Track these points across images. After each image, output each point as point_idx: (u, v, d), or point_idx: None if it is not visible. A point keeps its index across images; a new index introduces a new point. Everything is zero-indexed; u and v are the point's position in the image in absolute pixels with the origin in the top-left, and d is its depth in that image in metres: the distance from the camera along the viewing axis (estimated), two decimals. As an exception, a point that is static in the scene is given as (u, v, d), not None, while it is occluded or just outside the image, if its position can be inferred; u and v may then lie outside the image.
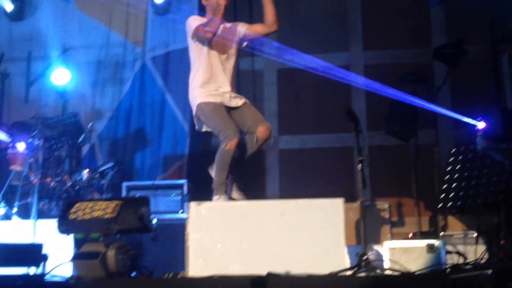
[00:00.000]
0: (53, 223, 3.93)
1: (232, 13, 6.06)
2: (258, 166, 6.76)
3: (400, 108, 5.73)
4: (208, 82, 4.05)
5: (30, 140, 5.40)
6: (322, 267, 3.40)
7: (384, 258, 4.14)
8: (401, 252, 4.06)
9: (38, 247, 3.91)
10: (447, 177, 4.68)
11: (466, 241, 4.81)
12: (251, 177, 6.72)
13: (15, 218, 5.20)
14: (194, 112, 4.14)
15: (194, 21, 4.08)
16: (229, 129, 3.91)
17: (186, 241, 3.62)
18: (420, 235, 5.45)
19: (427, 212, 6.10)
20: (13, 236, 4.64)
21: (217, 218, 3.65)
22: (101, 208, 3.56)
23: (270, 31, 4.09)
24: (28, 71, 7.17)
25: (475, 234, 4.77)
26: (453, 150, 4.80)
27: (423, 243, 4.16)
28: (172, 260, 4.81)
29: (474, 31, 6.36)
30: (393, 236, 5.62)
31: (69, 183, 5.67)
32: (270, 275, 3.22)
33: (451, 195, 4.55)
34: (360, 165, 3.99)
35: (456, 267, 3.64)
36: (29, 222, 4.79)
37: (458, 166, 4.63)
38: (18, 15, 7.33)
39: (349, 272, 3.47)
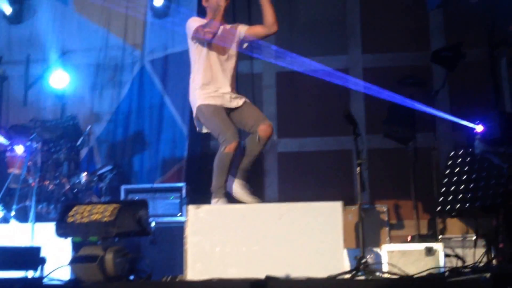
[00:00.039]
0: (51, 226, 3.93)
1: (231, 15, 6.06)
2: (257, 169, 6.75)
3: (398, 111, 5.74)
4: (208, 83, 4.04)
5: (29, 143, 5.39)
6: (320, 271, 3.40)
7: (382, 261, 4.14)
8: (400, 255, 4.06)
9: (36, 250, 3.90)
10: (445, 180, 4.68)
11: (465, 244, 4.81)
12: (249, 180, 6.73)
13: (13, 221, 5.19)
14: (194, 114, 4.13)
15: (194, 23, 4.09)
16: (228, 132, 3.91)
17: (184, 244, 3.62)
18: (419, 238, 5.45)
19: (426, 215, 6.11)
20: (11, 240, 4.63)
21: (215, 221, 3.65)
22: (99, 211, 3.56)
23: (270, 32, 4.09)
24: (27, 74, 7.16)
25: (474, 237, 4.77)
26: (452, 153, 4.80)
27: (421, 246, 4.16)
28: (170, 263, 4.80)
29: (472, 35, 6.38)
30: (392, 239, 5.62)
31: (67, 186, 5.66)
32: (268, 279, 3.22)
33: (450, 198, 4.54)
34: (358, 168, 3.99)
35: (454, 271, 3.64)
36: (27, 226, 4.78)
37: (457, 169, 4.62)
38: (16, 18, 7.32)
39: (347, 276, 3.47)
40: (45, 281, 3.61)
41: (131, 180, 6.74)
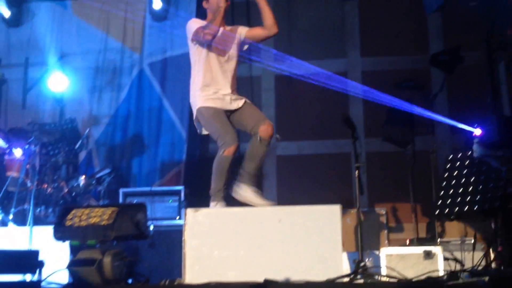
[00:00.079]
0: (49, 229, 3.92)
1: (230, 19, 6.06)
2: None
3: (397, 115, 5.75)
4: (208, 84, 4.03)
5: (27, 146, 5.39)
6: (319, 274, 3.39)
7: (381, 265, 4.14)
8: (398, 259, 4.05)
9: (34, 253, 3.90)
10: (444, 183, 4.67)
11: (464, 248, 4.80)
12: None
13: (11, 225, 5.18)
14: (194, 116, 4.12)
15: (194, 24, 4.09)
16: (228, 136, 3.90)
17: (183, 248, 3.61)
18: (417, 241, 5.45)
19: (425, 218, 6.11)
20: (9, 243, 4.62)
21: (214, 224, 3.65)
22: (97, 215, 3.55)
23: (270, 34, 4.08)
24: (26, 77, 7.16)
25: (472, 241, 4.76)
26: (450, 157, 4.79)
27: (420, 249, 4.16)
28: (168, 266, 4.80)
29: (471, 38, 6.40)
30: (391, 242, 5.62)
31: (65, 189, 5.65)
32: (267, 282, 3.21)
33: (448, 201, 4.53)
34: (357, 171, 4.00)
35: (453, 274, 3.63)
36: (25, 229, 4.77)
37: (455, 173, 4.61)
38: (15, 21, 7.33)
39: (346, 279, 3.46)
40: (43, 284, 3.61)
41: (129, 183, 6.74)
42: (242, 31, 4.15)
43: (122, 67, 7.17)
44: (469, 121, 5.19)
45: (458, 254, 4.62)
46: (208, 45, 4.03)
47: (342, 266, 3.53)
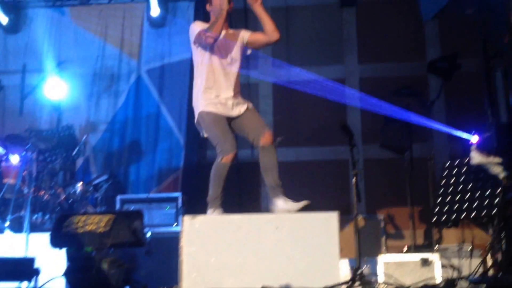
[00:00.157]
0: (45, 237, 3.90)
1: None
2: (253, 179, 6.74)
3: (395, 122, 5.75)
4: (211, 87, 4.01)
5: (24, 153, 5.37)
6: (316, 281, 3.39)
7: (378, 272, 4.13)
8: (396, 266, 4.05)
9: (31, 261, 3.88)
10: (441, 190, 4.68)
11: (461, 255, 4.79)
12: (246, 190, 6.73)
13: (8, 232, 5.16)
14: (196, 119, 4.11)
15: (196, 27, 4.07)
16: (226, 143, 3.90)
17: (180, 255, 3.60)
18: (415, 248, 5.44)
19: (422, 225, 6.11)
20: (5, 250, 4.60)
21: (211, 231, 3.64)
22: (94, 222, 3.54)
23: (271, 40, 4.07)
24: (23, 83, 7.15)
25: (470, 248, 4.76)
26: (448, 164, 4.80)
27: (417, 257, 4.16)
28: (166, 274, 4.76)
29: (467, 45, 6.42)
30: (388, 249, 5.61)
31: (62, 196, 5.63)
32: (264, 290, 3.20)
33: (446, 208, 4.54)
34: (354, 178, 4.00)
35: (450, 281, 3.63)
36: (22, 236, 4.75)
37: (453, 180, 4.62)
38: (13, 27, 7.33)
39: (343, 286, 3.46)
40: (39, 292, 3.59)
41: (127, 190, 6.72)
42: (245, 35, 4.14)
43: (120, 73, 7.18)
44: (467, 128, 5.21)
45: (455, 261, 4.62)
46: (211, 48, 4.02)
47: (339, 273, 3.52)
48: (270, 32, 4.03)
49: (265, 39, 4.09)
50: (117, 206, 5.92)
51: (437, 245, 5.19)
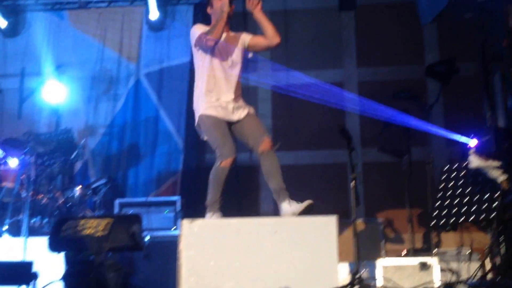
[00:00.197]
0: (44, 240, 3.90)
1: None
2: (252, 182, 6.75)
3: (393, 125, 5.75)
4: (211, 90, 4.00)
5: (22, 156, 5.37)
6: (315, 285, 3.39)
7: (377, 276, 4.13)
8: (394, 270, 4.05)
9: (29, 265, 3.88)
10: (440, 194, 4.68)
11: (460, 258, 4.79)
12: (245, 194, 6.73)
13: (6, 236, 5.15)
14: (196, 121, 4.10)
15: (197, 30, 4.07)
16: (226, 148, 3.89)
17: (178, 259, 3.59)
18: (413, 252, 5.44)
19: (421, 229, 6.10)
20: (4, 254, 4.59)
21: (210, 235, 3.64)
22: (92, 226, 3.54)
23: (272, 44, 4.06)
24: (22, 87, 7.15)
25: (468, 251, 4.76)
26: (446, 167, 4.81)
27: (416, 261, 4.15)
28: (164, 278, 4.75)
29: (466, 49, 6.44)
30: (387, 253, 5.61)
31: (61, 200, 5.62)
32: (262, 294, 3.20)
33: (444, 212, 4.54)
34: (353, 182, 3.99)
35: (449, 285, 3.63)
36: (20, 240, 4.74)
37: (451, 184, 4.63)
38: (12, 31, 7.33)
39: (342, 290, 3.45)
40: (37, 296, 3.58)
41: (125, 193, 6.71)
42: (246, 38, 4.13)
43: (119, 77, 7.18)
44: (465, 132, 5.21)
45: (454, 265, 4.62)
46: (212, 51, 4.01)
47: (338, 277, 3.51)
48: (271, 36, 4.02)
49: (265, 43, 4.09)
50: (116, 209, 5.91)
51: (435, 249, 5.19)
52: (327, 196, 6.56)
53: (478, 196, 4.39)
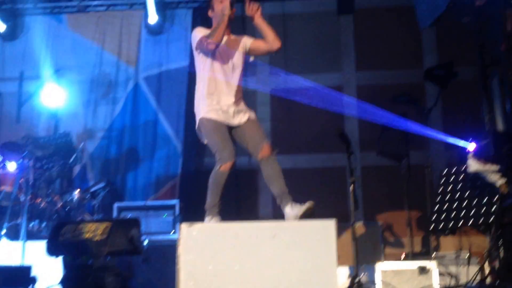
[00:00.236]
0: (42, 245, 3.89)
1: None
2: (251, 186, 6.74)
3: (392, 129, 5.76)
4: (212, 93, 3.99)
5: (21, 160, 5.36)
6: (314, 289, 3.38)
7: (376, 280, 4.12)
8: (393, 274, 4.05)
9: (27, 269, 3.87)
10: (438, 198, 4.69)
11: (459, 262, 4.79)
12: (244, 198, 6.72)
13: (4, 240, 5.14)
14: (197, 125, 4.10)
15: (198, 33, 4.06)
16: (225, 152, 3.89)
17: (177, 263, 3.59)
18: (412, 256, 5.44)
19: (420, 233, 6.10)
20: (2, 258, 4.58)
21: (209, 239, 3.63)
22: (90, 230, 3.53)
23: (273, 48, 4.05)
24: (20, 90, 7.15)
25: (467, 255, 4.76)
26: (445, 171, 4.82)
27: (415, 264, 4.15)
28: (163, 282, 4.75)
29: (464, 53, 6.45)
30: (386, 257, 5.60)
31: (59, 204, 5.61)
32: (261, 298, 3.19)
33: (443, 216, 4.55)
34: (351, 186, 4.00)
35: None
36: (18, 244, 4.73)
37: (450, 187, 4.64)
38: (10, 35, 7.33)
39: (341, 295, 3.45)
40: (36, 300, 3.58)
41: (124, 197, 6.71)
42: (247, 42, 4.12)
43: (118, 80, 7.18)
44: (463, 136, 5.22)
45: (453, 269, 4.62)
46: (212, 54, 4.00)
47: (337, 281, 3.51)
48: (271, 41, 4.02)
49: (266, 47, 4.08)
50: (114, 213, 5.90)
51: (434, 253, 5.19)
52: (326, 199, 6.56)
53: (476, 200, 4.40)
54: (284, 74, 6.74)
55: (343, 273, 4.33)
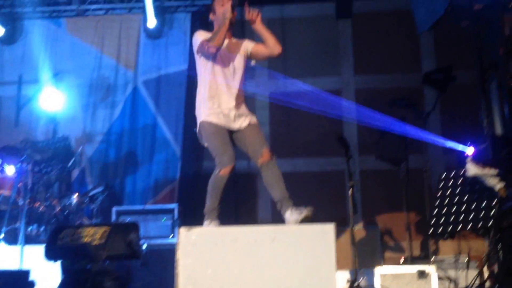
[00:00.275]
0: (40, 249, 3.88)
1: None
2: (250, 190, 6.74)
3: (390, 133, 5.77)
4: (213, 96, 3.99)
5: (19, 164, 5.35)
6: (313, 294, 3.37)
7: (375, 284, 4.12)
8: (392, 278, 4.04)
9: (25, 273, 3.86)
10: (437, 202, 4.69)
11: (458, 266, 4.79)
12: (243, 202, 6.72)
13: (2, 244, 5.12)
14: (197, 128, 4.10)
15: (199, 36, 4.06)
16: (225, 156, 3.88)
17: (176, 267, 3.58)
18: (411, 260, 5.43)
19: (419, 237, 6.10)
20: (0, 262, 4.57)
21: (207, 243, 3.62)
22: (89, 234, 3.53)
23: (273, 53, 4.04)
24: (19, 94, 7.14)
25: (466, 259, 4.76)
26: (443, 175, 4.82)
27: (414, 269, 4.15)
28: (161, 286, 4.75)
29: (463, 57, 6.46)
30: (385, 261, 5.61)
31: (58, 208, 5.61)
32: (260, 302, 3.19)
33: (442, 220, 4.55)
34: (350, 190, 4.00)
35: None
36: (17, 248, 4.72)
37: (449, 191, 4.64)
38: (9, 38, 7.33)
39: (340, 299, 3.44)
40: (34, 305, 3.57)
41: (123, 201, 6.70)
42: (249, 46, 4.11)
43: (116, 84, 7.18)
44: (462, 140, 5.22)
45: (452, 273, 4.62)
46: (214, 57, 4.00)
47: (336, 285, 3.50)
48: (272, 46, 4.01)
49: (267, 52, 4.08)
50: (113, 217, 5.89)
51: (433, 257, 5.18)
52: (325, 203, 6.56)
53: (475, 204, 4.39)
54: (283, 78, 6.75)
55: (342, 277, 4.32)
